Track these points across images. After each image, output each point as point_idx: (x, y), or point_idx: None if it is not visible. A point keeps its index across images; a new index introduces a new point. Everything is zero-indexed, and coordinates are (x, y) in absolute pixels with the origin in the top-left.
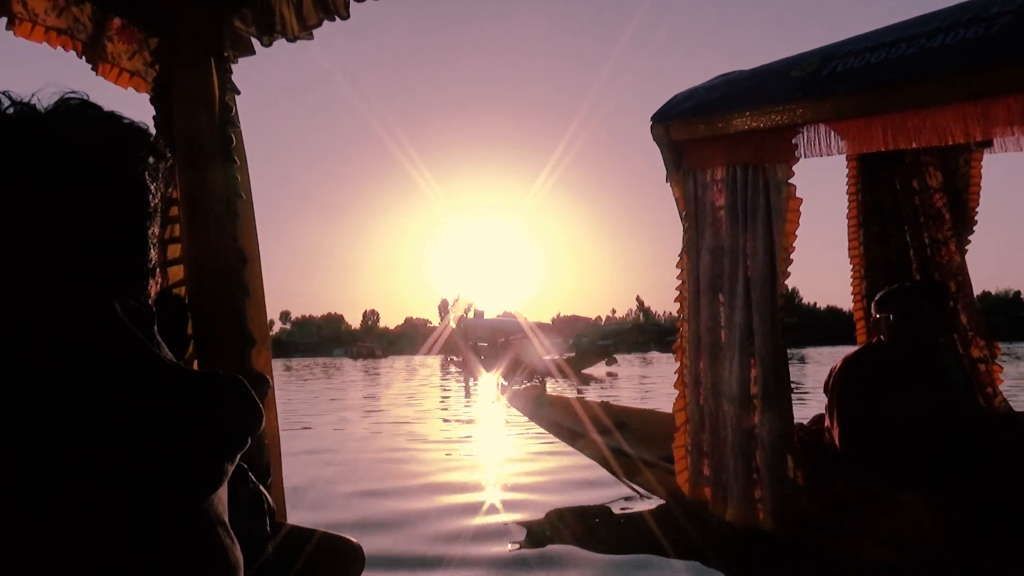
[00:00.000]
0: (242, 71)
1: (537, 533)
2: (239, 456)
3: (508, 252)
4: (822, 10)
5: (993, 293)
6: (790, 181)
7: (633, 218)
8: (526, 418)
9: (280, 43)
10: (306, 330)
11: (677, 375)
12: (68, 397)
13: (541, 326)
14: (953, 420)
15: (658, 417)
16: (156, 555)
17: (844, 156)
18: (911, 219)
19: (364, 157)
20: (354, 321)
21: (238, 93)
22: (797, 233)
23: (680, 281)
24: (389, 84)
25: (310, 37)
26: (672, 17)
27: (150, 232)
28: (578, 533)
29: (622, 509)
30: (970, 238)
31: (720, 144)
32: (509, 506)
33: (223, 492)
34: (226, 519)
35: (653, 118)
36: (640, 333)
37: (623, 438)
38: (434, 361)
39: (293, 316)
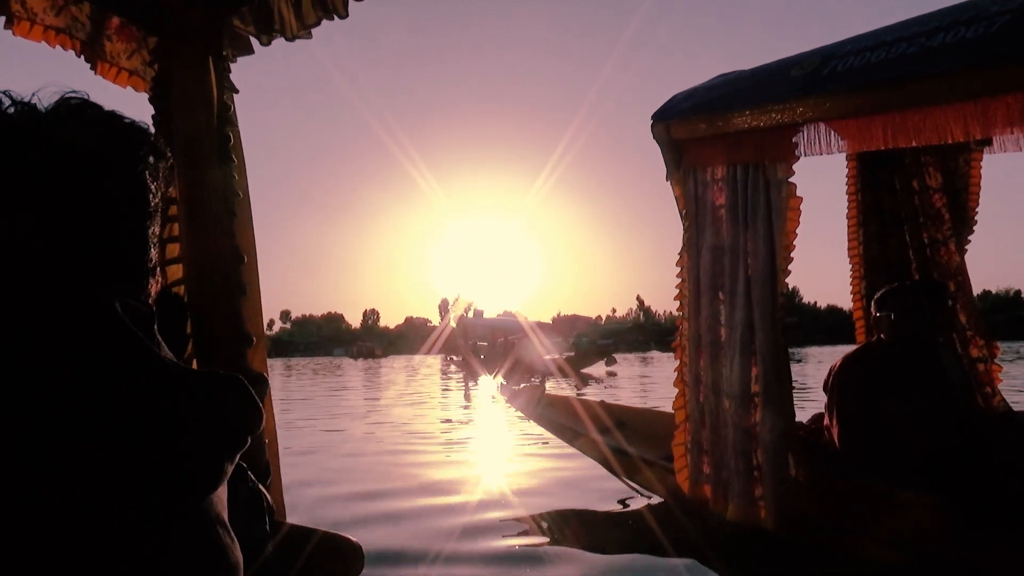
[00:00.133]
0: (243, 70)
1: (537, 532)
2: (239, 456)
3: (508, 251)
4: (822, 10)
5: (994, 292)
6: (790, 180)
7: (633, 218)
8: (526, 417)
9: (280, 42)
10: (306, 330)
11: (677, 373)
12: (68, 397)
13: (541, 325)
14: (953, 420)
15: (658, 416)
16: (156, 555)
17: (844, 156)
18: (911, 219)
19: (364, 156)
20: (354, 321)
21: (236, 92)
22: (797, 232)
23: (680, 280)
24: (389, 84)
25: (309, 36)
26: (672, 17)
27: (151, 231)
28: (578, 532)
29: (622, 508)
30: (970, 238)
31: (720, 143)
32: (509, 505)
33: (223, 491)
34: (226, 518)
35: (654, 117)
36: (640, 332)
37: (623, 437)
38: (434, 361)
39: (293, 315)
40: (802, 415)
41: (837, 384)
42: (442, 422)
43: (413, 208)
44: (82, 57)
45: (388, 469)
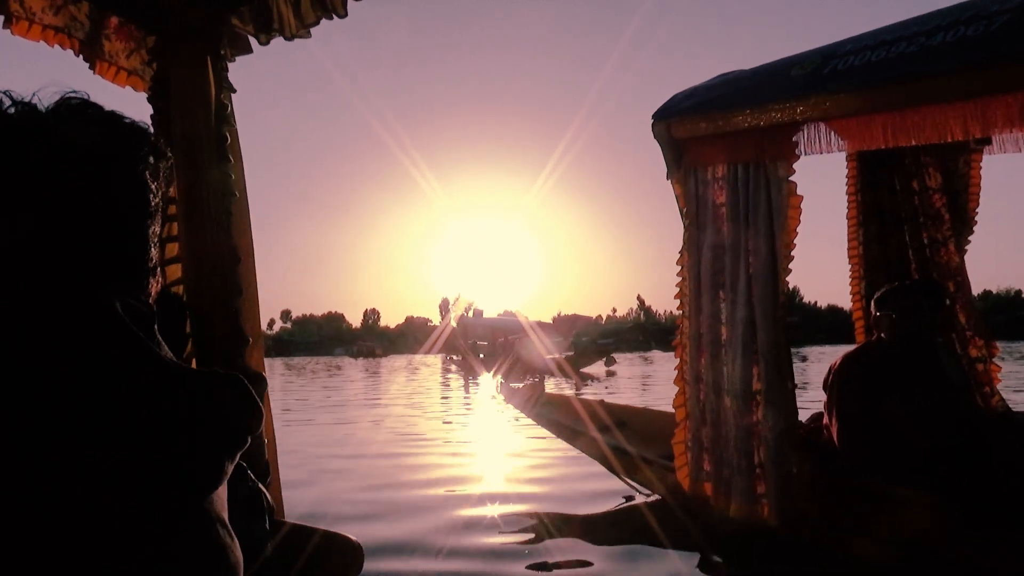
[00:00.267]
0: (244, 70)
1: (536, 531)
2: (239, 455)
3: (509, 251)
4: (822, 10)
5: (994, 292)
6: (791, 179)
7: (634, 217)
8: (525, 416)
9: (279, 41)
10: (307, 329)
11: (677, 371)
12: (68, 397)
13: (542, 325)
14: (952, 419)
15: (657, 415)
16: (157, 554)
17: (844, 156)
18: (910, 219)
19: (364, 156)
20: (355, 320)
21: (234, 92)
22: (798, 230)
23: (681, 278)
24: (389, 83)
25: (308, 35)
26: (672, 17)
27: (151, 231)
28: (577, 530)
29: (621, 506)
30: (970, 239)
31: (721, 142)
32: (508, 503)
33: (223, 491)
34: (226, 518)
35: (654, 116)
36: (641, 332)
37: (622, 436)
38: (435, 360)
39: (294, 315)
40: (802, 415)
41: (837, 383)
42: (442, 422)
43: (413, 207)
44: (81, 56)
45: (388, 467)
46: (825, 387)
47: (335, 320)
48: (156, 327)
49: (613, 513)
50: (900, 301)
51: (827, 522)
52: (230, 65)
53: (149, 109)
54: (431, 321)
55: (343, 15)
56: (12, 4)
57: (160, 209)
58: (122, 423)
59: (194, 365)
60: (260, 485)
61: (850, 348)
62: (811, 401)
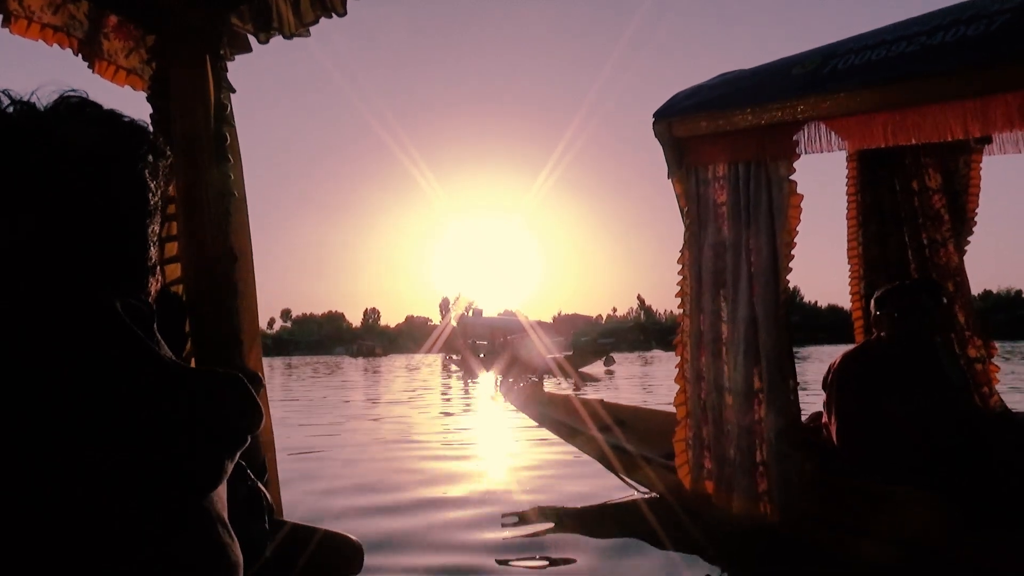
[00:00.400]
0: (245, 69)
1: (536, 529)
2: (238, 454)
3: (509, 250)
4: (822, 10)
5: (995, 292)
6: (791, 178)
7: (634, 217)
8: (524, 416)
9: (280, 42)
10: (307, 328)
11: (678, 370)
12: (69, 397)
13: (542, 325)
14: (952, 419)
15: (656, 415)
16: (157, 554)
17: (845, 156)
18: (910, 219)
19: (365, 156)
20: (355, 319)
21: (233, 92)
22: (799, 229)
23: (682, 277)
24: (389, 83)
25: (307, 34)
26: (672, 17)
27: (150, 230)
28: (577, 529)
29: (621, 505)
30: (969, 239)
31: (722, 141)
32: (509, 503)
33: (222, 490)
34: (226, 517)
35: (655, 115)
36: (641, 331)
37: (622, 435)
38: (435, 359)
39: (294, 314)
40: (802, 415)
41: (836, 382)
42: (441, 420)
43: (414, 207)
44: (80, 56)
45: (388, 466)
46: (824, 386)
47: (335, 319)
48: (156, 326)
49: (613, 512)
50: (899, 301)
51: (827, 522)
52: (230, 64)
53: (148, 108)
54: (431, 320)
55: (342, 14)
56: (11, 3)
57: (159, 208)
58: (122, 423)
59: (192, 364)
60: (259, 484)
61: (850, 347)
62: (811, 401)
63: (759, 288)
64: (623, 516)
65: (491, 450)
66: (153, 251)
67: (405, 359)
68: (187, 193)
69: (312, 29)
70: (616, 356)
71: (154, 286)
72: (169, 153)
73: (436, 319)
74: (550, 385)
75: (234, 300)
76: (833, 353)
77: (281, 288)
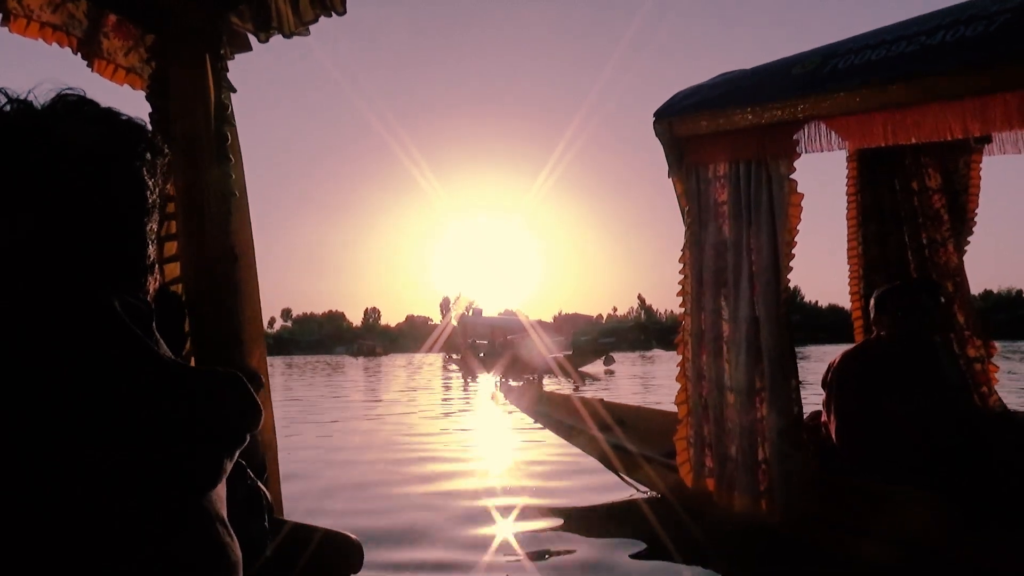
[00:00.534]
0: (246, 69)
1: (536, 529)
2: (237, 453)
3: (509, 250)
4: (822, 10)
5: (995, 292)
6: (792, 177)
7: (634, 216)
8: (524, 415)
9: (283, 43)
10: (307, 328)
11: (679, 368)
12: (68, 397)
13: (542, 324)
14: (951, 419)
15: (656, 414)
16: (157, 554)
17: (845, 156)
18: (910, 219)
19: (365, 155)
20: (355, 319)
21: (234, 91)
22: (799, 228)
23: (683, 276)
24: (390, 83)
25: (307, 33)
26: (672, 17)
27: (148, 229)
28: (576, 528)
29: (621, 504)
30: (969, 239)
31: (723, 140)
32: (508, 503)
33: (222, 489)
34: (225, 516)
35: (656, 114)
36: (642, 331)
37: (623, 434)
38: (435, 359)
39: (294, 314)
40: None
41: (836, 381)
42: (441, 419)
43: (414, 207)
44: (79, 54)
45: (388, 464)
46: (824, 385)
47: (336, 319)
48: (154, 325)
49: (613, 511)
50: (899, 301)
51: (827, 522)
52: (230, 64)
53: (147, 107)
54: (432, 320)
55: (342, 12)
56: (10, 2)
57: (157, 206)
58: (122, 423)
59: (193, 363)
60: (259, 483)
61: (850, 347)
62: (811, 400)
63: (760, 287)
64: (623, 515)
65: (491, 449)
66: (151, 249)
67: (405, 358)
68: (187, 193)
69: (312, 28)
70: (617, 355)
71: (152, 285)
72: (167, 151)
73: (436, 319)
74: (550, 384)
75: (235, 299)
76: (833, 353)
77: (282, 287)
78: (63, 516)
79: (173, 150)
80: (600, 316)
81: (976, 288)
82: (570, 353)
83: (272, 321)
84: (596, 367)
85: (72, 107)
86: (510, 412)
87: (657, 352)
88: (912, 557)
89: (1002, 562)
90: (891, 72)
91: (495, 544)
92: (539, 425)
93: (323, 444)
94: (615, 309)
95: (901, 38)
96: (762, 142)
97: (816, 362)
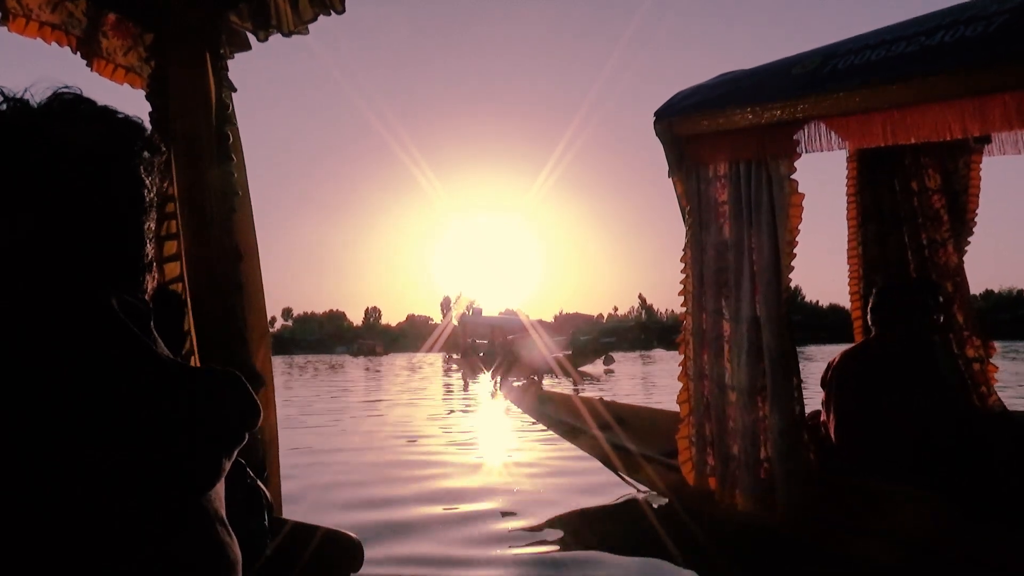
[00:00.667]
0: (246, 68)
1: (535, 528)
2: (236, 452)
3: (510, 249)
4: (822, 10)
5: (996, 292)
6: (792, 177)
7: (635, 216)
8: (525, 415)
9: (282, 42)
10: (308, 327)
11: (681, 367)
12: (68, 397)
13: (543, 324)
14: (950, 418)
15: (656, 414)
16: (156, 553)
17: (846, 156)
18: (909, 219)
19: (366, 155)
20: (356, 318)
21: (234, 91)
22: (800, 228)
23: (684, 275)
24: (390, 82)
25: (306, 32)
26: (673, 17)
27: (146, 227)
28: (576, 527)
29: (621, 504)
30: (969, 239)
31: (723, 140)
32: (507, 502)
33: (221, 489)
34: (224, 515)
35: (656, 114)
36: (643, 331)
37: (623, 434)
38: (435, 358)
39: (295, 313)
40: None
41: (835, 380)
42: (441, 419)
43: (414, 206)
44: (78, 53)
45: (388, 463)
46: (823, 384)
47: (336, 318)
48: (152, 324)
49: (612, 510)
50: (899, 300)
51: (826, 521)
52: (231, 64)
53: (147, 106)
54: (432, 319)
55: (341, 11)
56: (9, 1)
57: (154, 204)
58: (122, 423)
59: (196, 362)
60: (258, 482)
61: (850, 346)
62: (811, 400)
63: (761, 287)
64: (623, 514)
65: (491, 448)
66: (150, 248)
67: (406, 358)
68: (188, 192)
69: (312, 28)
70: (617, 355)
71: (150, 283)
72: (164, 149)
73: (437, 318)
74: (549, 384)
75: (236, 298)
76: (834, 352)
77: (282, 287)
78: (63, 516)
79: (174, 149)
80: (601, 316)
81: (977, 288)
82: (569, 353)
83: (273, 320)
84: (596, 367)
85: (68, 106)
86: (510, 411)
87: (658, 352)
88: (911, 556)
89: (1001, 561)
90: (891, 72)
91: (495, 542)
92: (539, 424)
93: (322, 443)
94: (616, 309)
95: (901, 38)
96: (762, 142)
97: (817, 362)
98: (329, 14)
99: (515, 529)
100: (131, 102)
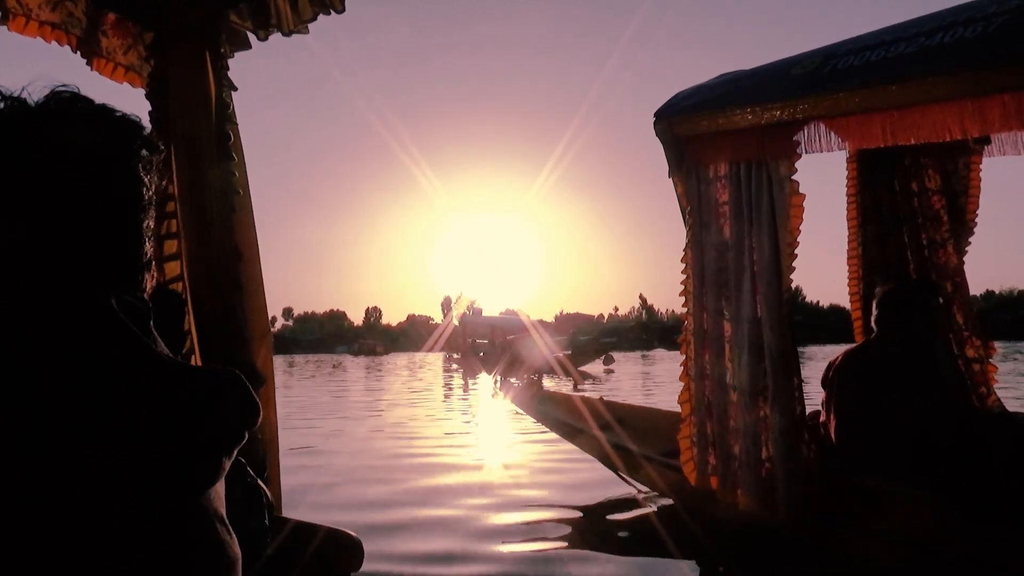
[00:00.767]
0: (246, 68)
1: (535, 528)
2: (236, 451)
3: (510, 249)
4: (822, 10)
5: (997, 292)
6: (792, 177)
7: (635, 216)
8: (525, 415)
9: (283, 42)
10: (308, 327)
11: (682, 367)
12: (68, 397)
13: (543, 324)
14: (950, 418)
15: (656, 414)
16: (156, 552)
17: (845, 157)
18: (909, 220)
19: (366, 155)
20: (356, 318)
21: (235, 90)
22: (801, 228)
23: (685, 276)
24: (390, 82)
25: (306, 31)
26: (673, 17)
27: (145, 226)
28: (576, 528)
29: (621, 504)
30: (970, 240)
31: (723, 140)
32: (507, 502)
33: (221, 488)
34: (224, 514)
35: (657, 114)
36: (643, 330)
37: (623, 434)
38: (436, 358)
39: (295, 313)
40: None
41: (836, 380)
42: (442, 418)
43: (415, 206)
44: (78, 53)
45: (389, 462)
46: (824, 384)
47: (337, 318)
48: (152, 323)
49: (612, 509)
50: (899, 301)
51: (826, 521)
52: (231, 63)
53: (147, 106)
54: (433, 319)
55: (340, 10)
56: (9, 1)
57: (153, 203)
58: (122, 422)
59: (196, 362)
60: (259, 481)
61: (850, 346)
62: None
63: (762, 287)
64: (623, 514)
65: (491, 448)
66: (148, 247)
67: (406, 358)
68: (189, 191)
69: (312, 27)
70: (618, 355)
71: (149, 283)
72: (162, 147)
73: (438, 318)
74: (550, 384)
75: (236, 298)
76: (835, 352)
77: (283, 287)
78: (63, 516)
79: (174, 149)
80: (601, 316)
81: (978, 288)
82: (570, 352)
83: (273, 320)
84: (596, 367)
85: (66, 104)
86: (510, 411)
87: (659, 352)
88: (911, 556)
89: (1001, 561)
90: (890, 73)
91: (495, 542)
92: (539, 424)
93: (323, 443)
94: (616, 309)
95: (900, 39)
96: (762, 142)
97: (818, 361)
98: (329, 13)
99: (515, 529)
100: (131, 101)
